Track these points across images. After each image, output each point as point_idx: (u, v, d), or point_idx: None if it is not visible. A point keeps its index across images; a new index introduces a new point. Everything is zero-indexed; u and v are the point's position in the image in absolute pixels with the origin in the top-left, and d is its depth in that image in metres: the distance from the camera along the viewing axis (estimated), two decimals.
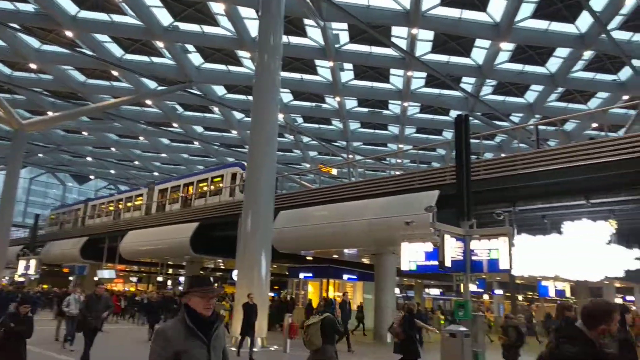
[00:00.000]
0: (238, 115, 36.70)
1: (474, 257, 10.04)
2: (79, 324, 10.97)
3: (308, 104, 34.62)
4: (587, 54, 26.30)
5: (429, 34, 25.82)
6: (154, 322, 16.35)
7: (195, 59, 29.33)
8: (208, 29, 26.11)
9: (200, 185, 29.57)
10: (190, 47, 28.20)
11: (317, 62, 29.39)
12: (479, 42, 26.24)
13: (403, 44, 26.09)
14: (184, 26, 25.94)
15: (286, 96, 32.94)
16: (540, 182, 13.39)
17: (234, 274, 21.96)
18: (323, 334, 6.83)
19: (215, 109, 35.73)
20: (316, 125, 38.23)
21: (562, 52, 26.66)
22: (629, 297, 34.33)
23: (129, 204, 36.13)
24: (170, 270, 40.57)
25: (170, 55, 28.36)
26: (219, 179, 28.09)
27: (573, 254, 12.96)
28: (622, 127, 28.15)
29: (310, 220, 17.89)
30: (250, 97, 33.69)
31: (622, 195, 13.05)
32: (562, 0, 22.18)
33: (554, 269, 14.48)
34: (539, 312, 30.45)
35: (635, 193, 12.99)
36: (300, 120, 37.18)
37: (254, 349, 12.53)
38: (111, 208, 38.29)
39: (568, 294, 25.11)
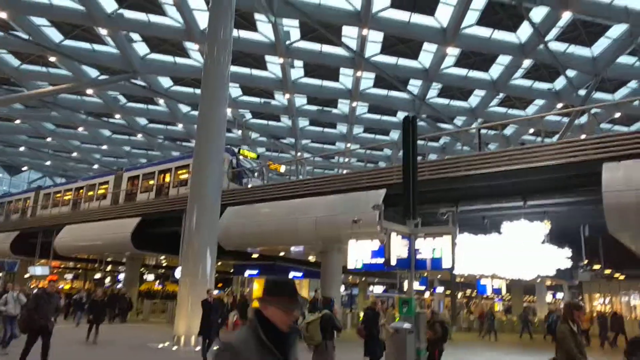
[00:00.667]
0: (184, 108, 35.81)
1: (418, 256, 10.27)
2: (24, 324, 10.06)
3: (257, 99, 34.29)
4: (526, 63, 27.60)
5: (378, 36, 26.21)
6: (97, 321, 15.17)
7: (141, 48, 28.31)
8: (155, 18, 25.25)
9: (179, 172, 26.45)
10: (135, 36, 27.18)
11: (268, 57, 29.14)
12: (426, 45, 26.92)
13: (353, 44, 26.35)
14: (129, 14, 24.95)
15: (235, 91, 32.47)
16: (482, 184, 13.91)
17: (177, 272, 21.51)
18: (322, 330, 7.54)
19: (161, 101, 34.67)
20: (265, 122, 37.95)
21: (504, 59, 27.82)
22: (559, 294, 36.41)
23: (90, 193, 32.39)
24: (110, 267, 39.02)
25: (114, 44, 27.22)
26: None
27: (511, 253, 13.58)
28: (556, 133, 29.85)
29: (258, 217, 17.73)
30: (198, 90, 32.87)
31: (556, 198, 13.80)
32: (505, 9, 23.12)
33: (493, 268, 15.12)
34: (476, 310, 31.66)
35: (568, 196, 13.77)
36: (249, 115, 36.79)
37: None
38: (68, 197, 34.44)
39: (504, 291, 26.37)
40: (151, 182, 27.82)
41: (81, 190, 33.33)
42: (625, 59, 26.85)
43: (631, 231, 11.80)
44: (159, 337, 14.29)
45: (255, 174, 25.80)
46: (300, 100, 34.49)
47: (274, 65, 29.92)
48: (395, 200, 11.79)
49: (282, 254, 22.29)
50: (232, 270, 27.94)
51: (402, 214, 10.75)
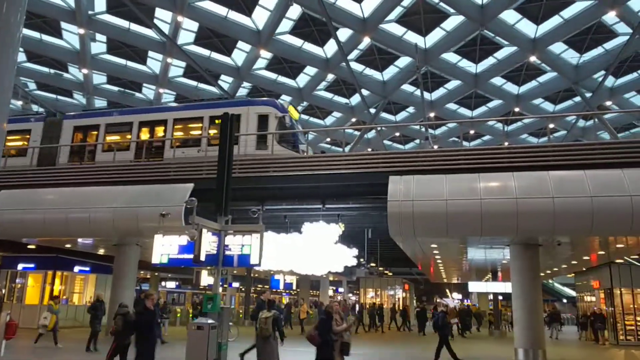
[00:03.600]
0: None
1: (226, 252, 10.41)
2: None
3: (46, 69, 30.12)
4: (330, 77, 30.10)
5: (193, 25, 25.59)
6: None
7: None
8: None
9: (188, 126, 18.76)
10: None
11: (65, 25, 25.91)
12: (240, 44, 27.26)
13: (166, 29, 25.21)
14: None
15: (19, 55, 27.96)
16: (288, 185, 14.74)
17: None
18: (272, 325, 9.74)
19: None
20: (53, 96, 33.55)
21: (311, 70, 29.85)
22: (340, 289, 40.59)
23: None
24: None
25: None
26: None
27: (309, 251, 14.70)
28: (348, 144, 33.25)
29: (42, 203, 15.59)
30: None
31: (349, 203, 15.45)
32: (316, 24, 24.88)
33: (291, 264, 16.13)
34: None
35: (359, 201, 15.54)
36: (33, 86, 32.05)
37: None
38: None
39: (294, 286, 28.34)
40: None
41: None
42: (407, 87, 31.34)
43: (406, 236, 13.91)
44: None
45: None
46: (100, 78, 31.49)
47: (71, 35, 26.74)
48: (202, 195, 11.66)
49: (68, 245, 19.97)
50: None
51: (213, 210, 10.75)
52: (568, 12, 23.40)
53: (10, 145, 19.93)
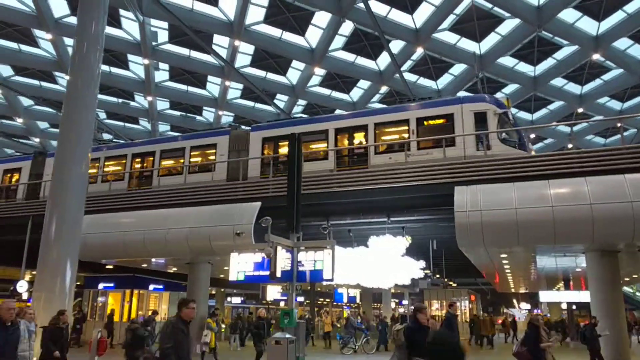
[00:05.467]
0: (26, 101, 31.99)
1: (299, 268, 10.71)
2: None
3: (114, 99, 32.04)
4: (383, 89, 30.19)
5: (249, 48, 26.52)
6: None
7: None
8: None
9: (391, 130, 16.97)
10: None
11: (131, 57, 27.57)
12: (295, 63, 27.94)
13: (223, 53, 26.26)
14: None
15: None
16: (351, 200, 14.93)
17: (19, 285, 19.07)
18: None
19: None
20: (121, 123, 35.57)
21: (364, 84, 30.10)
22: (404, 301, 40.07)
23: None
24: None
25: None
26: (438, 121, 16.12)
27: (376, 264, 14.79)
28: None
29: (121, 226, 16.60)
30: (44, 83, 29.91)
31: (415, 215, 15.44)
32: (368, 38, 25.16)
33: (358, 278, 16.27)
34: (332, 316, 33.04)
35: (424, 213, 15.49)
36: (103, 115, 34.13)
37: None
38: None
39: (358, 299, 28.34)
40: None
41: None
42: (463, 95, 30.87)
43: (475, 246, 13.74)
44: None
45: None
46: (163, 104, 33.14)
47: (136, 65, 28.40)
48: (269, 213, 12.06)
49: (144, 265, 21.06)
50: (79, 283, 25.40)
51: (282, 228, 11.11)
52: (632, 7, 22.43)
53: (195, 161, 19.59)
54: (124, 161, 20.63)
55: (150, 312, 15.42)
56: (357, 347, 19.65)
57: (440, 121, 15.89)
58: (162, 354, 5.66)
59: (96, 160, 20.82)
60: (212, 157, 18.98)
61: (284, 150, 17.44)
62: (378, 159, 15.91)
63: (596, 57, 25.28)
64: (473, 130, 15.13)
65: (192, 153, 19.38)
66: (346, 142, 17.29)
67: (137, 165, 20.23)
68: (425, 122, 15.99)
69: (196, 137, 20.39)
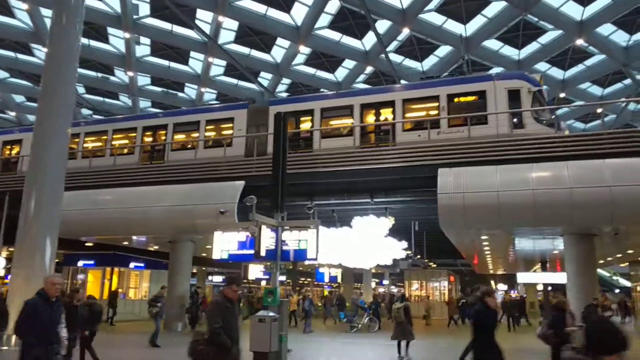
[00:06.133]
0: (1, 73, 31.04)
1: (284, 247, 10.70)
2: None
3: (93, 73, 31.23)
4: (369, 69, 30.01)
5: (233, 24, 26.02)
6: None
7: None
8: None
9: (420, 107, 16.36)
10: None
11: (111, 30, 26.86)
12: (280, 41, 27.53)
13: (207, 29, 25.74)
14: None
15: None
16: (336, 180, 14.92)
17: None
18: None
19: None
20: (101, 98, 34.80)
21: (349, 63, 29.86)
22: (384, 281, 40.64)
23: None
24: None
25: None
26: (469, 98, 15.60)
27: (359, 244, 14.88)
28: None
29: (101, 203, 16.35)
30: (21, 55, 28.99)
31: (398, 196, 15.52)
32: (355, 17, 24.87)
33: (340, 258, 16.37)
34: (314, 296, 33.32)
35: (407, 195, 15.58)
36: (82, 90, 33.31)
37: None
38: None
39: (339, 279, 28.57)
40: None
41: None
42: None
43: (457, 228, 13.90)
44: None
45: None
46: (144, 80, 32.45)
47: (117, 39, 27.68)
48: (253, 192, 11.96)
49: (125, 243, 20.83)
50: (59, 261, 25.03)
51: (266, 207, 11.05)
52: None
53: (210, 135, 18.68)
54: (133, 134, 19.70)
55: (161, 288, 15.18)
56: (360, 325, 20.11)
57: (472, 98, 15.48)
58: (212, 334, 5.45)
59: (103, 133, 20.26)
60: (229, 132, 18.08)
61: (306, 125, 17.16)
62: (406, 136, 15.38)
63: (580, 42, 25.45)
64: (507, 108, 14.75)
65: (207, 127, 18.50)
66: (374, 117, 16.68)
67: (148, 139, 19.44)
68: (456, 99, 15.58)
69: (211, 111, 19.84)
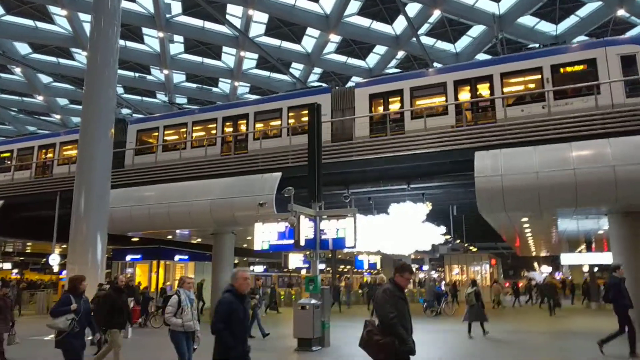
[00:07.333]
0: (45, 78, 32.37)
1: (322, 236, 10.93)
2: None
3: (131, 73, 32.19)
4: (400, 54, 29.70)
5: (263, 17, 26.24)
6: None
7: None
8: None
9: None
10: None
11: (145, 30, 27.56)
12: (309, 30, 27.59)
13: (237, 23, 26.05)
14: None
15: None
16: (372, 168, 14.99)
17: (52, 259, 19.80)
18: None
19: (17, 70, 30.87)
20: (139, 97, 35.84)
21: (380, 49, 29.63)
22: (424, 267, 40.49)
23: None
24: None
25: None
26: (577, 67, 14.56)
27: (396, 231, 14.96)
28: None
29: (147, 199, 17.00)
30: (62, 60, 30.16)
31: (435, 181, 15.46)
32: (383, 2, 24.64)
33: (379, 245, 16.49)
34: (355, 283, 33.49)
35: (444, 179, 15.50)
36: (120, 90, 34.38)
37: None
38: None
39: (379, 266, 28.70)
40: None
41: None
42: (482, 57, 30.23)
43: (496, 211, 13.76)
44: (40, 329, 13.04)
45: None
46: (179, 77, 33.21)
47: (151, 38, 28.39)
48: (290, 183, 12.20)
49: (169, 237, 21.60)
50: (109, 256, 26.20)
51: (307, 197, 11.29)
52: None
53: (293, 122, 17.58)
54: (213, 125, 19.25)
55: (257, 280, 16.00)
56: (439, 309, 21.02)
57: (580, 67, 14.35)
58: (386, 325, 4.82)
59: (183, 125, 19.98)
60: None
61: (395, 106, 16.25)
62: (509, 111, 14.49)
63: (621, 12, 24.40)
64: (620, 76, 13.59)
65: (289, 114, 17.69)
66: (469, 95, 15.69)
67: (229, 130, 18.83)
68: (562, 69, 14.54)
69: (293, 97, 18.70)
